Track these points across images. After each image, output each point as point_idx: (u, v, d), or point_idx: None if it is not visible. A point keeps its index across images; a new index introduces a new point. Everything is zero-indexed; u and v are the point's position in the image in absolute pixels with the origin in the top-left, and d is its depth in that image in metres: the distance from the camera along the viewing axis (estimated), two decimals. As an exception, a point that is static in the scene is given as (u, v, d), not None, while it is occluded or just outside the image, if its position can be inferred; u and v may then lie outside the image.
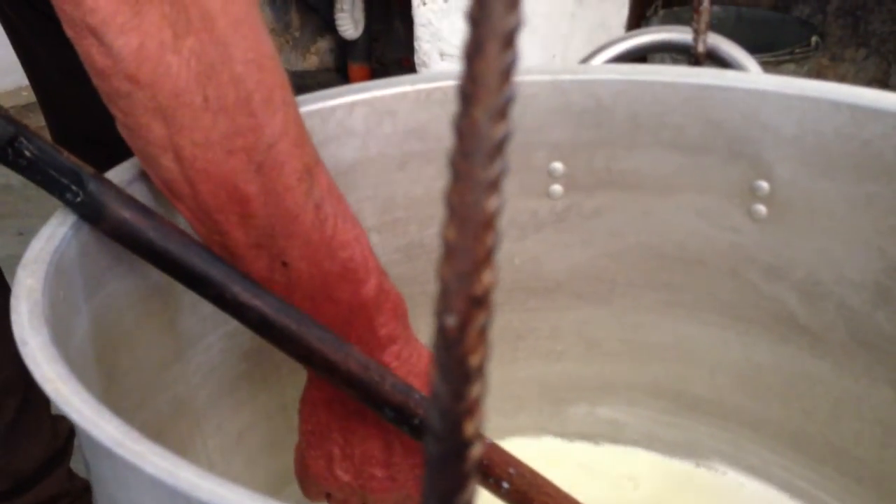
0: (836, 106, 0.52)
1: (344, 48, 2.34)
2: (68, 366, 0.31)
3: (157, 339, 0.52)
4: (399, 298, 0.49)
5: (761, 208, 0.57)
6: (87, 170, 0.43)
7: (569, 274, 0.66)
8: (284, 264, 0.44)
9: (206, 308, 0.55)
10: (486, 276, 0.13)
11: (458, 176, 0.13)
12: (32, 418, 0.84)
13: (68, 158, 0.43)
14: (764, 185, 0.56)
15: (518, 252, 0.66)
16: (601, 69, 0.59)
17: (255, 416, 0.60)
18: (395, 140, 0.60)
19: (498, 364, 0.71)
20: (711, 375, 0.66)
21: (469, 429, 0.13)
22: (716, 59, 0.58)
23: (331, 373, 0.47)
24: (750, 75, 0.56)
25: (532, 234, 0.65)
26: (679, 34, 0.58)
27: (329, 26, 2.30)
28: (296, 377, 0.64)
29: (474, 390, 0.13)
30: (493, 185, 0.13)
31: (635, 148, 0.59)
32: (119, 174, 0.47)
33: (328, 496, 0.53)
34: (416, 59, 1.73)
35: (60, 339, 0.35)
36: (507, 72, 0.13)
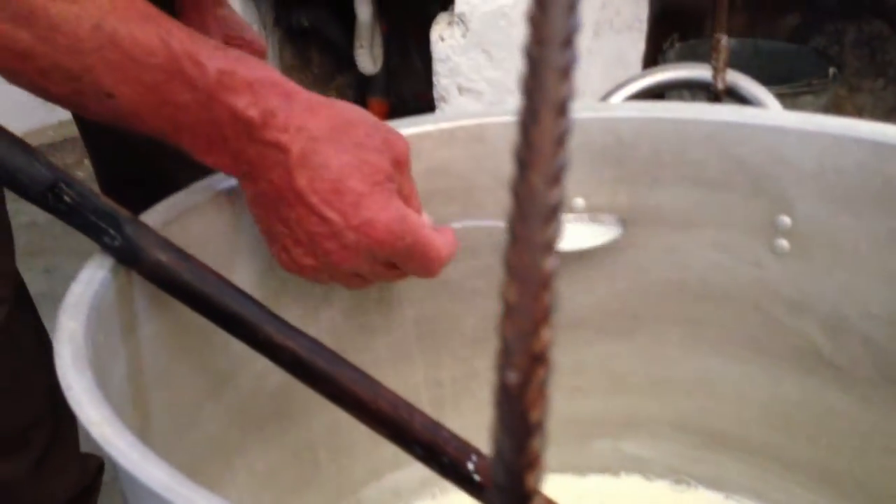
0: (858, 142, 0.52)
1: (363, 84, 2.37)
2: (113, 409, 0.32)
3: (190, 378, 0.52)
4: (255, 73, 0.45)
5: (784, 243, 0.58)
6: (123, 213, 0.44)
7: (592, 309, 0.67)
8: (109, 95, 0.43)
9: (236, 347, 0.56)
10: (546, 334, 0.13)
11: (516, 238, 0.13)
12: (61, 454, 0.85)
13: (106, 203, 0.44)
14: (786, 220, 0.57)
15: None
16: (621, 107, 0.60)
17: (283, 454, 0.61)
18: (418, 178, 0.61)
19: (522, 399, 0.72)
20: (737, 410, 0.66)
21: (530, 481, 0.13)
22: (735, 96, 0.59)
23: (361, 411, 0.48)
24: (770, 112, 0.57)
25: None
26: (698, 71, 0.59)
27: (348, 63, 2.33)
28: (323, 416, 0.65)
29: (535, 444, 0.13)
30: (550, 247, 0.14)
31: (657, 184, 0.60)
32: (154, 216, 0.49)
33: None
34: (435, 94, 1.75)
35: (101, 381, 0.36)
36: (561, 139, 0.14)
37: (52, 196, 0.43)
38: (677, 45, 1.85)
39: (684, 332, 0.65)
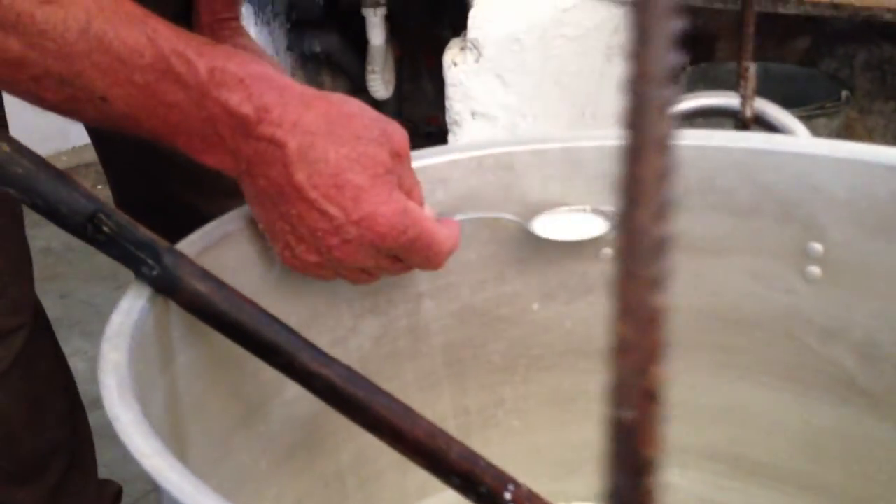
0: (890, 169, 0.52)
1: (375, 108, 2.38)
2: (162, 440, 0.32)
3: (223, 407, 0.52)
4: (247, 68, 0.45)
5: (816, 270, 0.57)
6: (162, 243, 0.44)
7: (620, 336, 0.66)
8: (103, 99, 0.43)
9: (266, 374, 0.56)
10: (658, 371, 0.13)
11: (625, 274, 0.13)
12: (79, 480, 0.85)
13: (144, 233, 0.44)
14: (818, 247, 0.57)
15: (568, 315, 0.66)
16: (651, 135, 0.60)
17: (312, 483, 0.61)
18: (446, 206, 0.61)
19: (549, 428, 0.71)
20: (768, 438, 0.65)
21: (646, 519, 0.13)
22: (763, 123, 0.59)
23: (398, 441, 0.48)
24: (800, 139, 0.57)
25: (582, 297, 0.65)
26: (725, 99, 0.59)
27: (359, 87, 2.35)
28: (351, 444, 0.64)
29: (650, 481, 0.13)
30: (659, 283, 0.14)
31: (685, 211, 0.60)
32: (188, 246, 0.49)
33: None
34: (448, 119, 1.75)
35: (145, 412, 0.36)
36: (666, 174, 0.14)
37: (91, 226, 0.43)
38: (688, 68, 1.86)
39: (714, 360, 0.65)
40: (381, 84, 2.24)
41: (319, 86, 2.42)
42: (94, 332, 1.74)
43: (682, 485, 0.70)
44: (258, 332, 0.45)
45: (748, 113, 0.55)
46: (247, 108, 0.44)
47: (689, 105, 0.61)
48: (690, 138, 0.57)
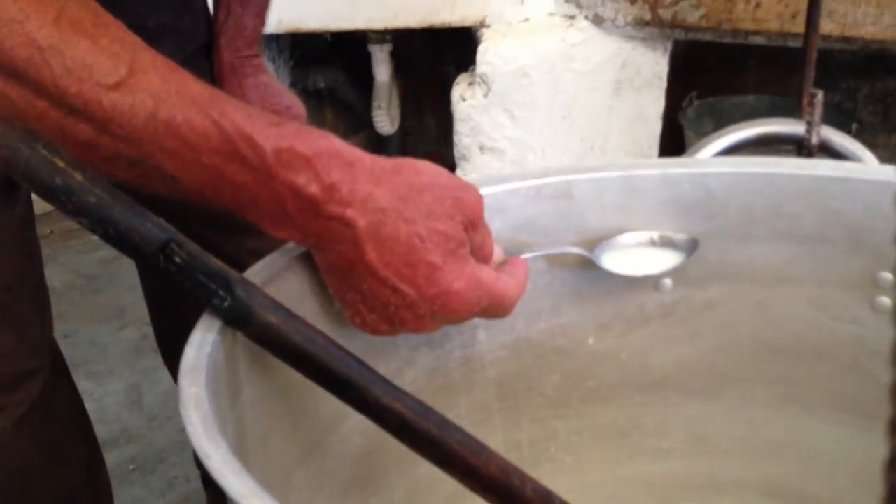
0: (967, 197, 0.51)
1: (378, 143, 2.38)
2: (263, 474, 0.30)
3: (284, 444, 0.50)
4: (314, 146, 0.44)
5: (885, 301, 0.56)
6: (234, 275, 0.43)
7: (677, 368, 0.65)
8: (173, 178, 0.43)
9: (324, 410, 0.54)
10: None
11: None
12: None
13: (216, 263, 0.43)
14: (888, 276, 0.55)
15: (625, 347, 0.65)
16: (712, 162, 0.59)
17: (366, 521, 0.59)
18: (504, 235, 0.60)
19: (601, 462, 0.70)
20: (830, 474, 0.63)
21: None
22: (827, 151, 0.58)
23: (471, 477, 0.46)
24: (869, 167, 0.56)
25: (639, 329, 0.64)
26: (790, 126, 0.58)
27: (363, 123, 2.35)
28: (403, 480, 0.62)
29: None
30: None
31: (749, 239, 0.59)
32: (253, 276, 0.47)
33: None
34: (456, 153, 1.75)
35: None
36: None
37: (163, 256, 0.41)
38: (696, 102, 1.86)
39: (774, 392, 0.63)
40: (386, 120, 2.24)
41: (322, 122, 2.42)
42: (100, 373, 1.72)
43: (739, 522, 0.68)
44: (330, 365, 0.44)
45: (814, 140, 0.54)
46: (314, 189, 0.43)
47: (752, 132, 0.60)
48: (759, 165, 0.56)
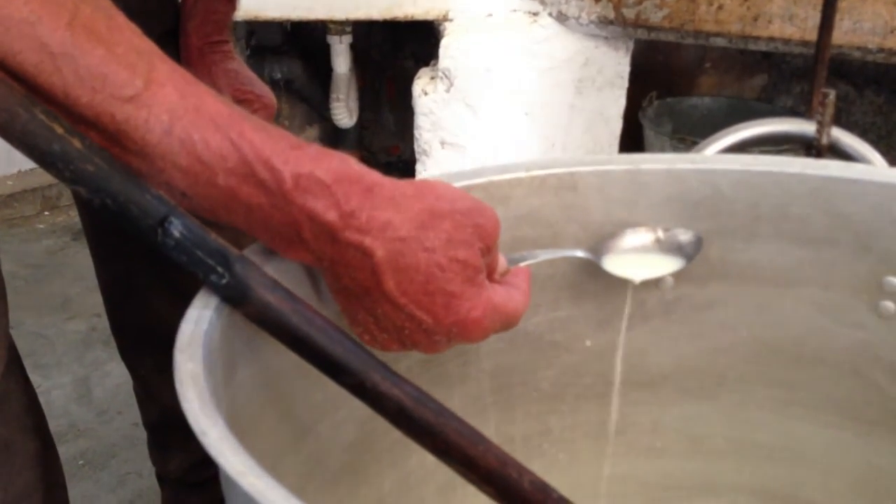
0: (978, 202, 0.51)
1: (333, 137, 2.35)
2: (253, 456, 0.29)
3: (275, 428, 0.49)
4: (332, 171, 0.42)
5: (890, 305, 0.56)
6: (233, 251, 0.42)
7: (675, 367, 0.64)
8: (183, 195, 0.42)
9: (316, 396, 0.53)
10: None
11: None
12: None
13: (216, 240, 0.41)
14: (894, 280, 0.55)
15: (623, 343, 0.64)
16: (721, 159, 0.58)
17: (356, 510, 0.58)
18: (506, 225, 0.59)
19: (593, 459, 0.69)
20: (826, 479, 0.63)
21: None
22: (836, 152, 0.57)
23: (468, 468, 0.45)
24: (880, 169, 0.55)
25: (639, 325, 0.63)
26: (799, 126, 0.57)
27: (319, 115, 2.32)
28: (394, 470, 0.62)
29: None
30: None
31: (754, 239, 0.58)
32: (252, 254, 0.46)
33: None
34: (416, 148, 1.73)
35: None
36: None
37: (161, 231, 0.40)
38: (655, 102, 1.86)
39: (772, 395, 0.63)
40: (345, 112, 2.21)
41: (277, 113, 2.38)
42: (48, 365, 1.62)
43: (731, 524, 0.67)
44: (328, 348, 0.43)
45: (825, 140, 0.53)
46: (332, 216, 0.42)
47: (759, 130, 0.59)
48: (767, 164, 0.55)
